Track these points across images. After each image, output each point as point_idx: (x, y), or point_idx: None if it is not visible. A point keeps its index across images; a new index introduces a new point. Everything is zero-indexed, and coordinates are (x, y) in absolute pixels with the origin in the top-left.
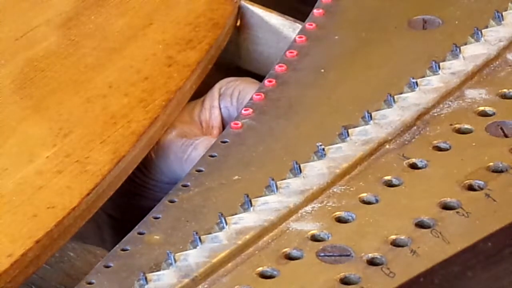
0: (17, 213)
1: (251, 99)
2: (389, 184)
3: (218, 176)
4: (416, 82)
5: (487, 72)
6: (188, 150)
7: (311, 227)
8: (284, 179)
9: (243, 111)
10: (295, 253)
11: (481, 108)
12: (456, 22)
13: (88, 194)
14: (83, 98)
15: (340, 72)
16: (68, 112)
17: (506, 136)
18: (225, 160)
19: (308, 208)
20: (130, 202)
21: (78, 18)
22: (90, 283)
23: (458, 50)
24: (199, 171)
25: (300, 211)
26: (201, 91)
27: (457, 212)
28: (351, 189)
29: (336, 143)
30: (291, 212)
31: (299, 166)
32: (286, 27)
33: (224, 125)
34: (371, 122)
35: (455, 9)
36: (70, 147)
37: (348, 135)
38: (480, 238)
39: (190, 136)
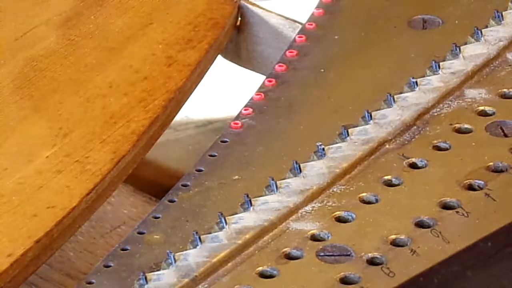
0: (16, 212)
1: (251, 98)
2: (389, 184)
3: (218, 176)
4: (416, 82)
5: (487, 71)
6: None
7: (311, 227)
8: (284, 178)
9: (243, 111)
10: (295, 252)
11: (481, 108)
12: (456, 22)
13: (88, 194)
14: (82, 98)
15: (340, 71)
16: (68, 112)
17: (506, 135)
18: (225, 160)
19: (308, 207)
20: None
21: (78, 18)
22: (90, 283)
23: (458, 50)
24: (199, 170)
25: (300, 211)
26: None
27: (457, 212)
28: (351, 188)
29: (336, 143)
30: (291, 212)
31: (299, 166)
32: (286, 27)
33: None
34: (371, 121)
35: (455, 9)
36: (70, 146)
37: (348, 134)
38: (479, 238)
39: None
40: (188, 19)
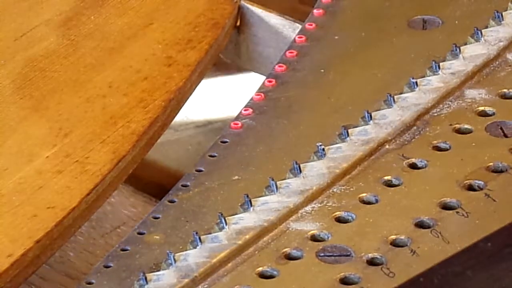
0: (17, 213)
1: (251, 99)
2: (389, 184)
3: (218, 176)
4: (416, 82)
5: (487, 72)
6: None
7: (311, 227)
8: (284, 179)
9: (243, 111)
10: (295, 253)
11: (481, 108)
12: (456, 22)
13: (88, 194)
14: (82, 98)
15: (340, 72)
16: (68, 112)
17: (506, 136)
18: (225, 160)
19: (308, 208)
20: None
21: (78, 18)
22: (90, 283)
23: (458, 50)
24: (199, 171)
25: (300, 211)
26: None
27: (457, 212)
28: (351, 189)
29: (336, 143)
30: (291, 212)
31: (299, 166)
32: (286, 27)
33: None
34: (371, 122)
35: (455, 9)
36: (70, 147)
37: (348, 135)
38: (479, 238)
39: None
40: (188, 19)
